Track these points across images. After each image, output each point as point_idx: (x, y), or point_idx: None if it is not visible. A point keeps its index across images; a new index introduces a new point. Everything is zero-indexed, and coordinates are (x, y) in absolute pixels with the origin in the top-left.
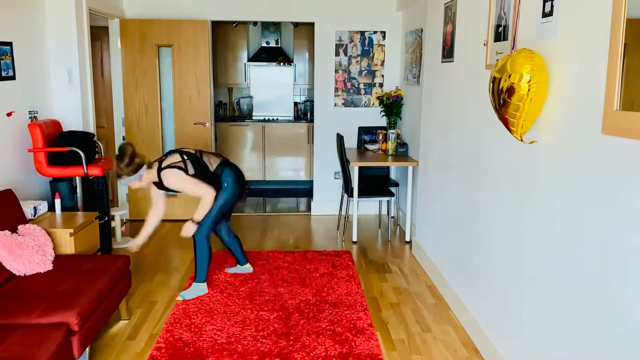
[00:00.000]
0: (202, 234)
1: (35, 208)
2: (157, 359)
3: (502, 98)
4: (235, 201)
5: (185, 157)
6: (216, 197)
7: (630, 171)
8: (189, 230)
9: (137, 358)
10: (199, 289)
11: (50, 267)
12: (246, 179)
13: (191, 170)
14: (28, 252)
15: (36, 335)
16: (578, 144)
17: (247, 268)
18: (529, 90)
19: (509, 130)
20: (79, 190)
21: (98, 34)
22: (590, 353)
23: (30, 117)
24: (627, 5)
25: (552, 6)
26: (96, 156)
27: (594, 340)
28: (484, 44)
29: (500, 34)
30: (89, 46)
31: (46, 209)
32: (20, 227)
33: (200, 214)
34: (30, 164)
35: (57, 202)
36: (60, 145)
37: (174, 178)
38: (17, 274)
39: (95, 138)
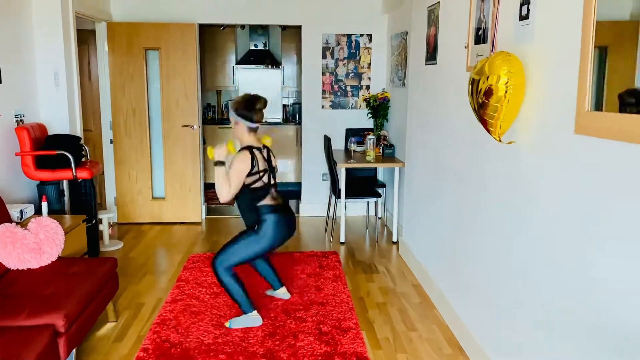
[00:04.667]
0: (220, 265)
1: (21, 211)
2: None
3: (480, 99)
4: (272, 249)
5: (265, 155)
6: (251, 239)
7: (601, 169)
8: (220, 151)
9: None
10: (250, 320)
11: (44, 263)
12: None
13: (262, 165)
14: (20, 250)
15: (22, 337)
16: (553, 143)
17: (283, 294)
18: (506, 91)
19: (488, 131)
20: (66, 193)
21: (85, 37)
22: (574, 350)
23: (16, 121)
24: (607, 7)
25: (528, 10)
26: (83, 159)
27: (576, 337)
28: (465, 47)
29: (480, 36)
30: (75, 49)
31: (33, 212)
32: (35, 220)
33: (222, 188)
34: (16, 167)
35: (44, 205)
36: (47, 148)
37: (240, 161)
38: (7, 266)
39: (82, 141)
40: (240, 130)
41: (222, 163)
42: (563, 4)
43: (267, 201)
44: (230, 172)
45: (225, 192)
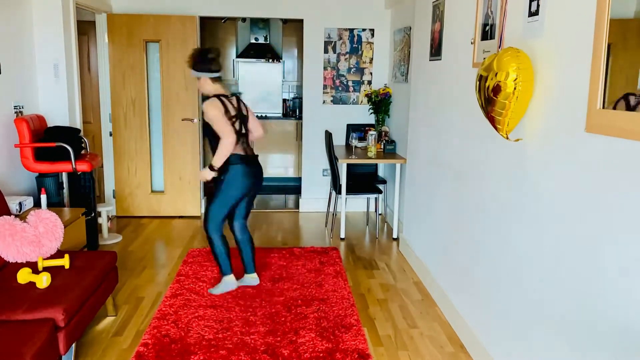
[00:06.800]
0: (211, 227)
1: (20, 204)
2: (143, 355)
3: (488, 96)
4: (240, 198)
5: (235, 104)
6: (222, 191)
7: (612, 168)
8: (204, 175)
9: (123, 354)
10: (227, 283)
11: (43, 256)
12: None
13: (232, 111)
14: (19, 243)
15: (22, 331)
16: (563, 141)
17: (252, 279)
18: (515, 88)
19: (495, 128)
20: (65, 186)
21: (85, 28)
22: (574, 348)
23: (15, 112)
24: (611, 5)
25: (538, 5)
26: (82, 152)
27: (578, 335)
28: (472, 43)
29: (487, 32)
30: (75, 41)
31: (32, 205)
32: (34, 212)
33: (217, 160)
34: (15, 159)
35: (43, 197)
36: (46, 140)
37: (211, 107)
38: (6, 259)
39: (82, 133)
40: (204, 83)
41: (212, 167)
42: (575, 1)
43: (237, 150)
44: (214, 125)
45: (225, 143)
